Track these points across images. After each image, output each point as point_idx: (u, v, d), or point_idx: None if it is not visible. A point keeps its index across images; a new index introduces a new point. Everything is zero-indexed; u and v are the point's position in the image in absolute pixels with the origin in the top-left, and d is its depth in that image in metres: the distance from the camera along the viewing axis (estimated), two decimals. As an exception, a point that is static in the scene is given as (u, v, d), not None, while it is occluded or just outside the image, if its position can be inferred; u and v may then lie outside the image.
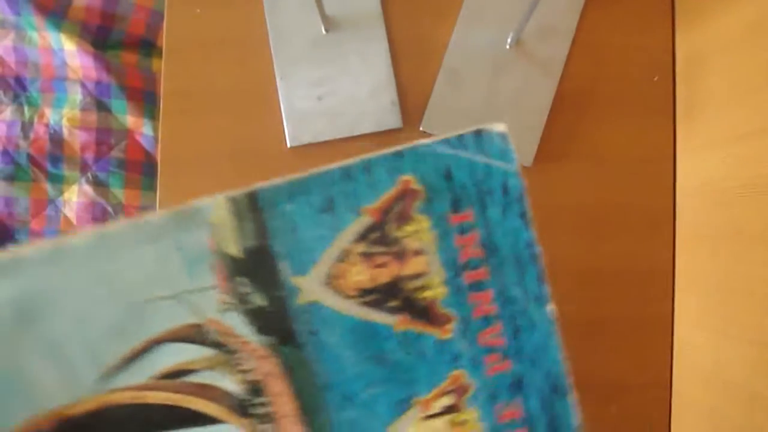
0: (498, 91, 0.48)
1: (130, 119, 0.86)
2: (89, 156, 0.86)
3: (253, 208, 0.22)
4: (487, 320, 0.23)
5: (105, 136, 0.86)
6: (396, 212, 0.22)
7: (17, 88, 0.87)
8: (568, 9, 0.49)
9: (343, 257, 0.22)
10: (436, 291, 0.23)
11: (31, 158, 0.86)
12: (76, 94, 0.86)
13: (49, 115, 0.86)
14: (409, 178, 0.22)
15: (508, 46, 0.49)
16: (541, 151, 0.48)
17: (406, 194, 0.22)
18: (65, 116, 0.86)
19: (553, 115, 0.49)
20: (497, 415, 0.23)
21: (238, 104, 0.50)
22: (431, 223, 0.22)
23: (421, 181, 0.22)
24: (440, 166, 0.23)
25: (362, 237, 0.22)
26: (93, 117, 0.86)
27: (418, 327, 0.23)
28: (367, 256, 0.22)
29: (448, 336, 0.23)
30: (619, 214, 0.49)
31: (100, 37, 0.86)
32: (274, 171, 0.49)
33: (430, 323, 0.23)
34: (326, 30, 0.49)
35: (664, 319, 0.48)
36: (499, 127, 0.23)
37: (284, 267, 0.22)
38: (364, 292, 0.22)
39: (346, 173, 0.22)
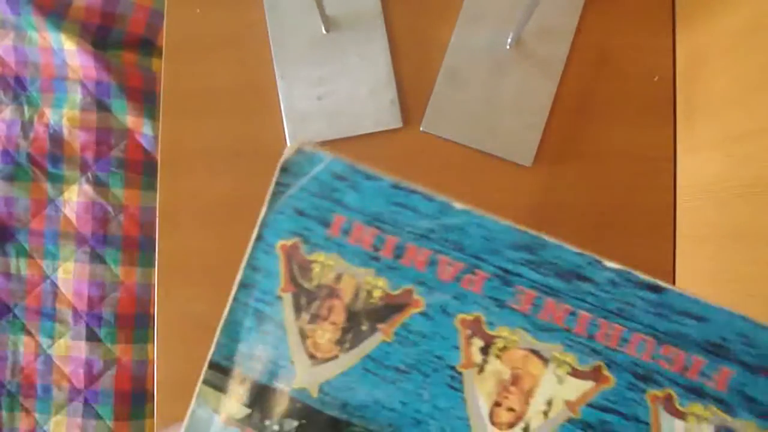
0: (498, 91, 0.48)
1: (130, 119, 0.86)
2: (89, 156, 0.86)
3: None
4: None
5: (105, 135, 0.86)
6: (298, 271, 0.25)
7: (17, 87, 0.87)
8: (568, 9, 0.49)
9: (304, 336, 0.24)
10: (380, 284, 0.24)
11: (31, 158, 0.86)
12: (76, 94, 0.86)
13: (49, 114, 0.86)
14: (282, 243, 0.25)
15: (508, 46, 0.49)
16: (541, 151, 0.48)
17: (291, 254, 0.25)
18: (65, 116, 0.86)
19: (553, 115, 0.49)
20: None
21: (238, 104, 0.50)
22: (324, 251, 0.25)
23: (289, 235, 0.25)
24: (290, 212, 0.25)
25: (299, 310, 0.24)
26: (93, 117, 0.86)
27: (399, 320, 0.24)
28: (315, 317, 0.24)
29: (421, 309, 0.24)
30: (619, 214, 0.49)
31: (100, 37, 0.86)
32: (273, 171, 0.49)
33: (401, 310, 0.24)
34: (326, 30, 0.49)
35: (664, 319, 0.48)
36: (292, 148, 0.26)
37: (279, 387, 0.24)
38: (341, 341, 0.24)
39: (245, 294, 0.25)
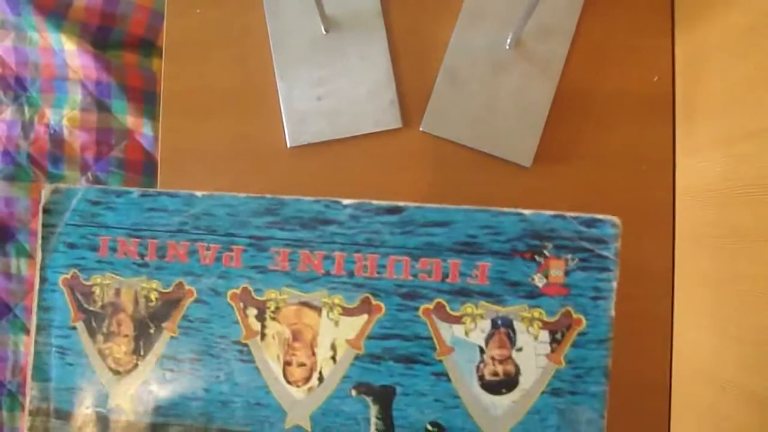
0: (498, 91, 0.48)
1: (130, 119, 0.86)
2: (89, 156, 0.86)
3: None
4: None
5: (105, 136, 0.86)
6: (82, 298, 0.27)
7: (18, 88, 0.87)
8: (567, 9, 0.49)
9: (104, 355, 0.27)
10: (153, 286, 0.26)
11: (31, 158, 0.86)
12: (77, 95, 0.86)
13: (50, 115, 0.86)
14: (62, 277, 0.27)
15: (507, 46, 0.49)
16: (540, 151, 0.48)
17: (72, 285, 0.27)
18: (65, 116, 0.86)
19: (553, 115, 0.49)
20: None
21: (238, 104, 0.50)
22: (99, 272, 0.27)
23: (67, 269, 0.27)
24: (63, 248, 0.27)
25: (92, 334, 0.27)
26: (93, 117, 0.86)
27: (179, 314, 0.26)
28: (108, 335, 0.27)
29: (194, 297, 0.26)
30: (618, 214, 0.49)
31: (101, 37, 0.86)
32: (273, 171, 0.50)
33: (178, 304, 0.26)
34: (326, 30, 0.49)
35: (663, 319, 0.48)
36: (48, 190, 0.28)
37: (96, 411, 0.26)
38: (136, 349, 0.26)
39: (44, 336, 0.28)
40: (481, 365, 0.24)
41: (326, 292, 0.25)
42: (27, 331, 0.86)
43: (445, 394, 0.23)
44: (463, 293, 0.24)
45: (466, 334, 0.24)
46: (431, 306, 0.24)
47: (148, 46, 0.89)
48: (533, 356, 0.23)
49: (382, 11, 0.50)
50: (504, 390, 0.23)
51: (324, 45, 0.49)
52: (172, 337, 0.25)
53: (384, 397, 0.23)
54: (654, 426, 0.48)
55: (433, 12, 0.50)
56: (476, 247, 0.24)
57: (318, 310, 0.24)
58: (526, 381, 0.23)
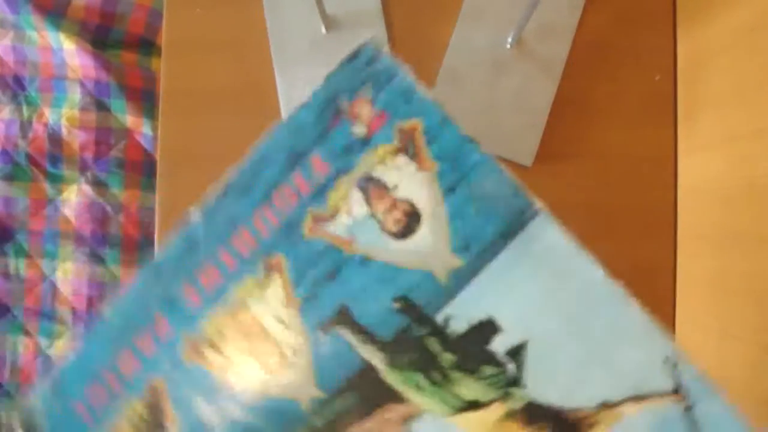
0: (498, 90, 0.48)
1: (129, 119, 0.86)
2: (88, 156, 0.86)
3: None
4: None
5: (104, 135, 0.86)
6: None
7: (16, 87, 0.87)
8: (568, 8, 0.49)
9: None
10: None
11: (30, 158, 0.86)
12: (76, 94, 0.86)
13: (48, 114, 0.86)
14: None
15: (508, 46, 0.48)
16: (541, 151, 0.48)
17: None
18: (64, 116, 0.86)
19: (554, 115, 0.48)
20: None
21: (238, 104, 0.49)
22: None
23: None
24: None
25: None
26: (92, 116, 0.85)
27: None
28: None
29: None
30: (619, 214, 0.49)
31: (100, 37, 0.86)
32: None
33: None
34: (326, 29, 0.49)
35: (664, 319, 0.48)
36: None
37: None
38: None
39: None
40: (382, 225, 0.22)
41: (238, 286, 0.23)
42: (26, 332, 0.86)
43: (381, 273, 0.22)
44: (319, 191, 0.23)
45: (348, 214, 0.23)
46: (310, 223, 0.23)
47: (147, 45, 0.89)
48: (409, 182, 0.22)
49: (382, 11, 0.50)
50: (416, 225, 0.22)
51: (324, 45, 0.49)
52: None
53: (345, 317, 0.22)
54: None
55: (433, 12, 0.50)
56: (298, 152, 0.24)
57: (244, 304, 0.23)
58: (424, 205, 0.22)
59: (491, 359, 0.21)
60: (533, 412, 0.21)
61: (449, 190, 0.22)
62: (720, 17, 0.43)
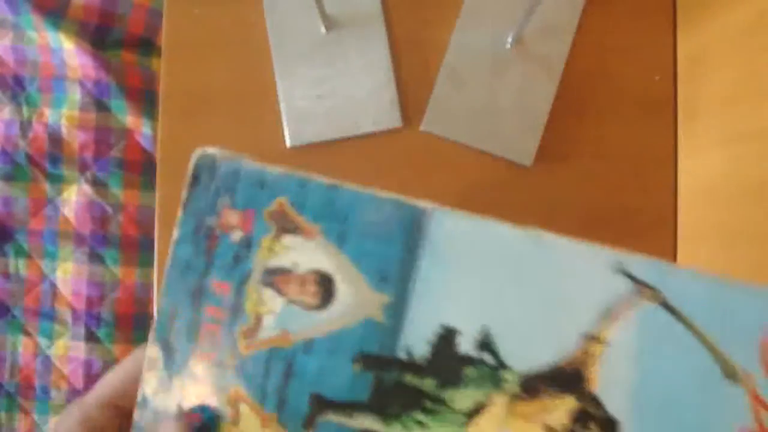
0: (498, 90, 0.48)
1: (129, 119, 0.86)
2: (88, 156, 0.86)
3: None
4: None
5: (104, 135, 0.86)
6: None
7: (16, 87, 0.87)
8: (568, 8, 0.49)
9: None
10: None
11: (29, 158, 0.86)
12: (75, 94, 0.85)
13: (48, 114, 0.86)
14: None
15: (508, 46, 0.48)
16: (541, 151, 0.48)
17: None
18: (64, 116, 0.86)
19: (554, 115, 0.48)
20: None
21: (238, 104, 0.49)
22: None
23: None
24: None
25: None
26: (92, 116, 0.85)
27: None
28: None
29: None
30: (619, 214, 0.49)
31: (99, 37, 0.86)
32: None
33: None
34: (326, 29, 0.49)
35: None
36: None
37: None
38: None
39: None
40: (303, 305, 0.22)
41: None
42: (25, 332, 0.86)
43: (327, 346, 0.22)
44: (234, 310, 0.23)
45: (270, 313, 0.22)
46: (243, 342, 0.23)
47: (147, 45, 0.89)
48: (304, 255, 0.22)
49: (382, 11, 0.50)
50: (332, 288, 0.22)
51: (324, 45, 0.49)
52: None
53: (321, 404, 0.22)
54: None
55: (433, 11, 0.50)
56: (197, 288, 0.24)
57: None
58: (328, 266, 0.22)
59: (467, 361, 0.21)
60: (531, 384, 0.21)
61: (341, 241, 0.22)
62: (720, 17, 0.43)
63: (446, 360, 0.21)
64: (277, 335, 0.22)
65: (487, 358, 0.21)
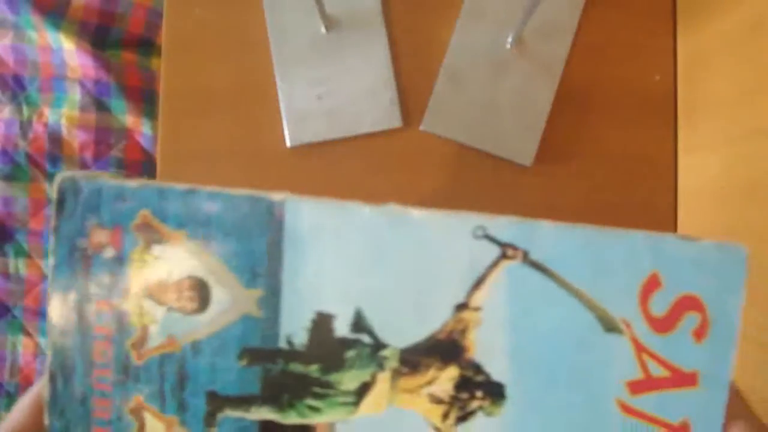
0: (498, 90, 0.48)
1: (129, 119, 0.86)
2: (88, 155, 0.86)
3: None
4: None
5: (104, 135, 0.86)
6: None
7: (16, 87, 0.87)
8: (568, 8, 0.49)
9: None
10: None
11: (29, 158, 0.86)
12: (75, 94, 0.85)
13: (48, 114, 0.86)
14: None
15: (508, 46, 0.48)
16: (541, 151, 0.48)
17: None
18: (64, 115, 0.86)
19: (554, 115, 0.48)
20: None
21: (238, 104, 0.49)
22: None
23: None
24: None
25: None
26: (92, 116, 0.85)
27: None
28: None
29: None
30: (619, 215, 0.49)
31: (99, 37, 0.86)
32: (274, 171, 0.49)
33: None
34: (326, 29, 0.49)
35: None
36: None
37: None
38: None
39: None
40: (184, 310, 0.23)
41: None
42: (25, 332, 0.86)
43: (212, 346, 0.23)
44: (120, 324, 0.23)
45: (154, 322, 0.23)
46: (135, 352, 0.23)
47: (147, 45, 0.89)
48: (175, 262, 0.23)
49: (382, 11, 0.50)
50: (207, 290, 0.23)
51: (324, 45, 0.49)
52: None
53: (216, 401, 0.23)
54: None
55: (433, 11, 0.50)
56: (82, 309, 0.24)
57: None
58: (200, 270, 0.23)
59: (346, 344, 0.22)
60: (410, 358, 0.22)
61: (207, 243, 0.22)
62: (720, 17, 0.43)
63: (326, 345, 0.22)
64: (164, 342, 0.23)
65: (365, 338, 0.22)
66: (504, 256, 0.21)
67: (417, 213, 0.22)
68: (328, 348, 0.22)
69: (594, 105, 0.49)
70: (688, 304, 0.21)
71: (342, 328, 0.22)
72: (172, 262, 0.22)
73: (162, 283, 0.23)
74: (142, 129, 0.86)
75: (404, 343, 0.22)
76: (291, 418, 0.22)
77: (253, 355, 0.22)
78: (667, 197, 0.49)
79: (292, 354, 0.22)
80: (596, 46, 0.49)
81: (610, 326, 0.21)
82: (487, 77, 0.49)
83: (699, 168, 0.46)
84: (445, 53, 0.49)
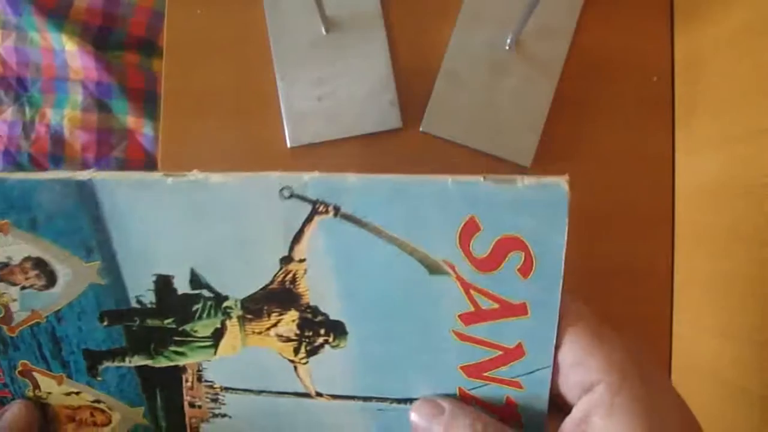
0: (497, 91, 0.49)
1: (131, 119, 0.86)
2: (90, 156, 0.86)
3: None
4: None
5: (106, 136, 0.86)
6: None
7: (18, 88, 0.88)
8: (566, 9, 0.49)
9: None
10: None
11: (32, 158, 0.86)
12: (77, 95, 0.86)
13: (50, 115, 0.87)
14: None
15: (507, 47, 0.49)
16: (540, 152, 0.48)
17: None
18: (66, 117, 0.86)
19: (553, 116, 0.49)
20: None
21: (238, 104, 0.50)
22: None
23: None
24: None
25: None
26: (94, 117, 0.86)
27: None
28: None
29: None
30: (618, 214, 0.49)
31: (101, 38, 0.86)
32: (273, 171, 0.49)
33: None
34: (326, 30, 0.49)
35: (662, 319, 0.48)
36: None
37: None
38: None
39: None
40: (35, 288, 0.25)
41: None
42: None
43: (73, 313, 0.25)
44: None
45: (14, 302, 0.25)
46: (6, 330, 0.26)
47: (148, 46, 0.90)
48: (10, 248, 0.24)
49: (382, 11, 0.50)
50: (47, 268, 0.24)
51: (324, 45, 0.49)
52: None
53: (92, 357, 0.25)
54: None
55: (433, 12, 0.50)
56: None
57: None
58: (39, 251, 0.24)
59: (191, 298, 0.24)
60: (252, 306, 0.24)
61: (34, 227, 0.23)
62: (717, 18, 0.44)
63: (173, 302, 0.24)
64: (29, 315, 0.25)
65: (205, 292, 0.24)
66: (316, 212, 0.22)
67: (216, 178, 0.22)
68: (175, 304, 0.24)
69: (592, 106, 0.49)
70: (509, 244, 0.22)
71: (183, 286, 0.24)
72: (9, 249, 0.24)
73: (8, 268, 0.24)
74: (143, 130, 0.87)
75: (243, 294, 0.24)
76: (162, 362, 0.25)
77: (111, 316, 0.24)
78: (664, 198, 0.49)
79: (145, 311, 0.24)
80: (594, 47, 0.50)
81: (433, 269, 0.22)
82: (486, 78, 0.49)
83: (697, 168, 0.46)
84: (444, 54, 0.49)
